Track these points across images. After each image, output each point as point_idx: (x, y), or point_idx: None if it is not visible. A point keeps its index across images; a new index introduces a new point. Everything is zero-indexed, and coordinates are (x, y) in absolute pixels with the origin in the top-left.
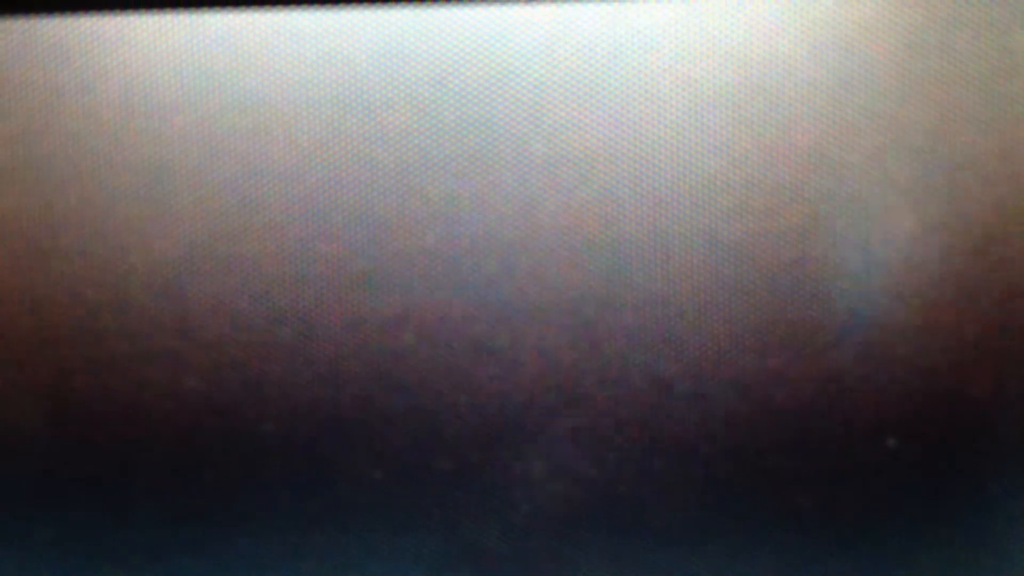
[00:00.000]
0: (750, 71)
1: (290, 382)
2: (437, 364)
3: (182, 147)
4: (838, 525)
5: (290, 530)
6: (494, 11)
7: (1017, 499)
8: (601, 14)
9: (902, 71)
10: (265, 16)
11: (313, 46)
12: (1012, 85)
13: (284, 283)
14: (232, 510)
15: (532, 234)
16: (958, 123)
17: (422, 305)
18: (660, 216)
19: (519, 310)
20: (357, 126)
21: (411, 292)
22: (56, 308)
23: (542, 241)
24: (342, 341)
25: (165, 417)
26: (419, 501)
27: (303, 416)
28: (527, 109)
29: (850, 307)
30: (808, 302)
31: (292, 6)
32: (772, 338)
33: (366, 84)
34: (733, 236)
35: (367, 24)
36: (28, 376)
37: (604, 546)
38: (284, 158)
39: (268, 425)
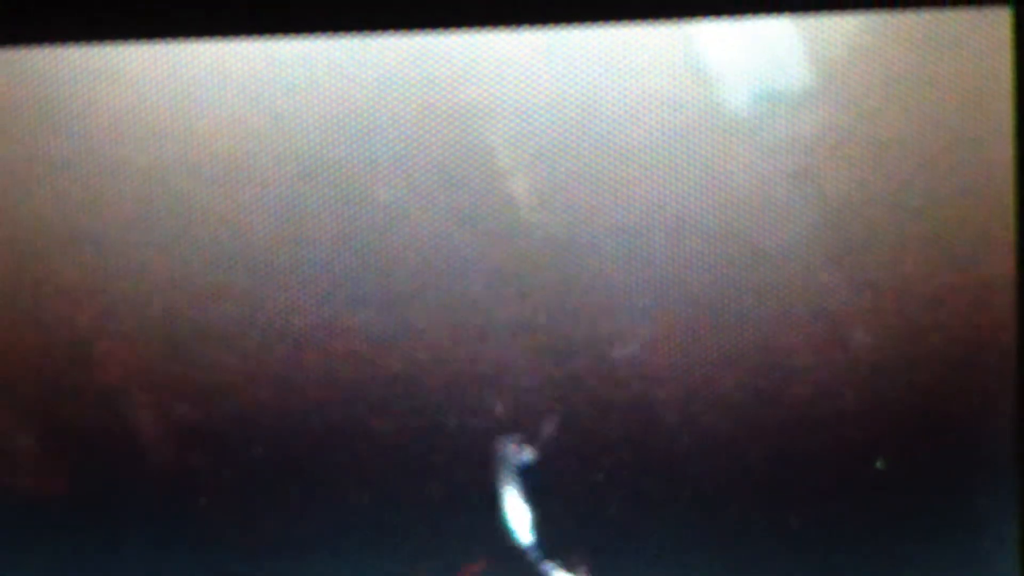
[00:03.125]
0: (737, 94)
1: (279, 406)
2: (425, 387)
3: (171, 175)
4: (828, 543)
5: (280, 555)
6: (481, 37)
7: (1005, 516)
8: (588, 39)
9: (888, 92)
10: (253, 45)
11: (301, 74)
12: (992, 105)
13: (273, 308)
14: (222, 535)
15: (521, 256)
16: (943, 144)
17: (410, 329)
18: (648, 238)
19: (508, 332)
20: (345, 153)
21: (400, 316)
22: (45, 334)
23: (531, 264)
24: (330, 366)
25: (154, 442)
26: (409, 524)
27: (292, 440)
28: (515, 134)
29: (837, 325)
30: (796, 321)
31: (279, 35)
32: (760, 357)
33: (354, 111)
34: (721, 257)
35: (354, 52)
36: (16, 402)
37: (596, 567)
38: (272, 185)
39: (257, 450)
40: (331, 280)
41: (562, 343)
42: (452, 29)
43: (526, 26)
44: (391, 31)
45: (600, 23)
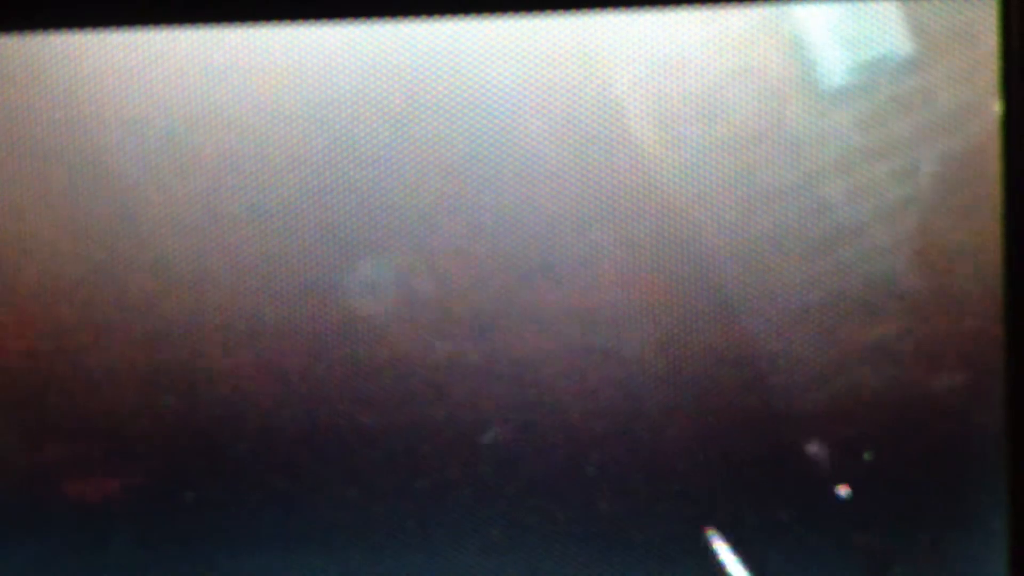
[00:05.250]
0: (720, 84)
1: (264, 400)
2: (413, 380)
3: (152, 163)
4: (817, 536)
5: (268, 549)
6: (464, 25)
7: (994, 508)
8: (572, 28)
9: (871, 82)
10: (234, 31)
11: (283, 61)
12: (975, 89)
13: (257, 299)
14: (209, 531)
15: (506, 248)
16: (929, 134)
17: (396, 320)
18: (632, 229)
19: (494, 324)
20: (328, 141)
21: (385, 307)
22: (27, 327)
23: (516, 255)
24: (316, 358)
25: (140, 436)
26: (396, 519)
27: (279, 434)
28: (500, 123)
29: (821, 318)
30: (778, 313)
31: (262, 21)
32: (746, 351)
33: (337, 99)
34: (705, 248)
35: (337, 39)
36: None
37: (583, 562)
38: (255, 173)
39: (244, 444)
40: (316, 271)
41: (551, 337)
42: (448, 16)
43: (548, 11)
44: (375, 18)
45: (577, 11)
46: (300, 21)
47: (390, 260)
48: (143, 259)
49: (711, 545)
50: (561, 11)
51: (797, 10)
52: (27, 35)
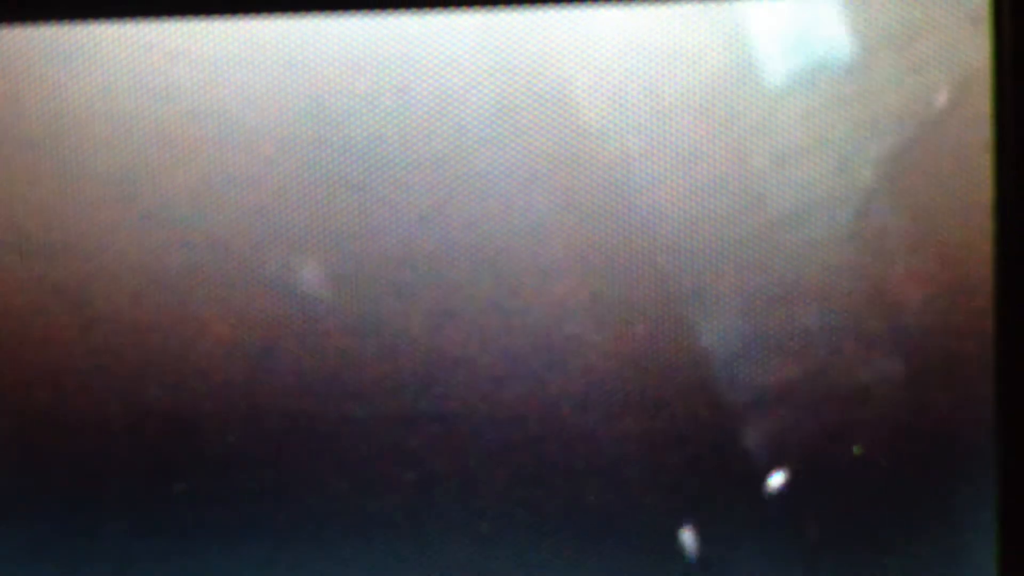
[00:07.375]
0: (716, 77)
1: (254, 392)
2: (402, 373)
3: (142, 156)
4: (808, 533)
5: (257, 542)
6: (456, 18)
7: (983, 509)
8: (565, 20)
9: (869, 73)
10: (225, 24)
11: (274, 54)
12: (971, 87)
13: (246, 292)
14: (199, 523)
15: (497, 242)
16: (921, 130)
17: (385, 313)
18: (627, 223)
19: (485, 318)
20: (319, 135)
21: (374, 300)
22: (17, 318)
23: (507, 249)
24: (305, 350)
25: (129, 428)
26: (386, 511)
27: (268, 427)
28: (492, 117)
29: (815, 312)
30: (772, 307)
31: (252, 14)
32: (732, 348)
33: (328, 92)
34: (700, 243)
35: (328, 32)
36: None
37: (572, 555)
38: (245, 167)
39: (233, 436)
40: (306, 263)
41: (542, 332)
42: (442, 9)
43: (517, 6)
44: (366, 11)
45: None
46: (293, 14)
47: (379, 252)
48: (129, 251)
49: (698, 543)
50: (551, 5)
51: (792, 4)
52: (17, 27)
